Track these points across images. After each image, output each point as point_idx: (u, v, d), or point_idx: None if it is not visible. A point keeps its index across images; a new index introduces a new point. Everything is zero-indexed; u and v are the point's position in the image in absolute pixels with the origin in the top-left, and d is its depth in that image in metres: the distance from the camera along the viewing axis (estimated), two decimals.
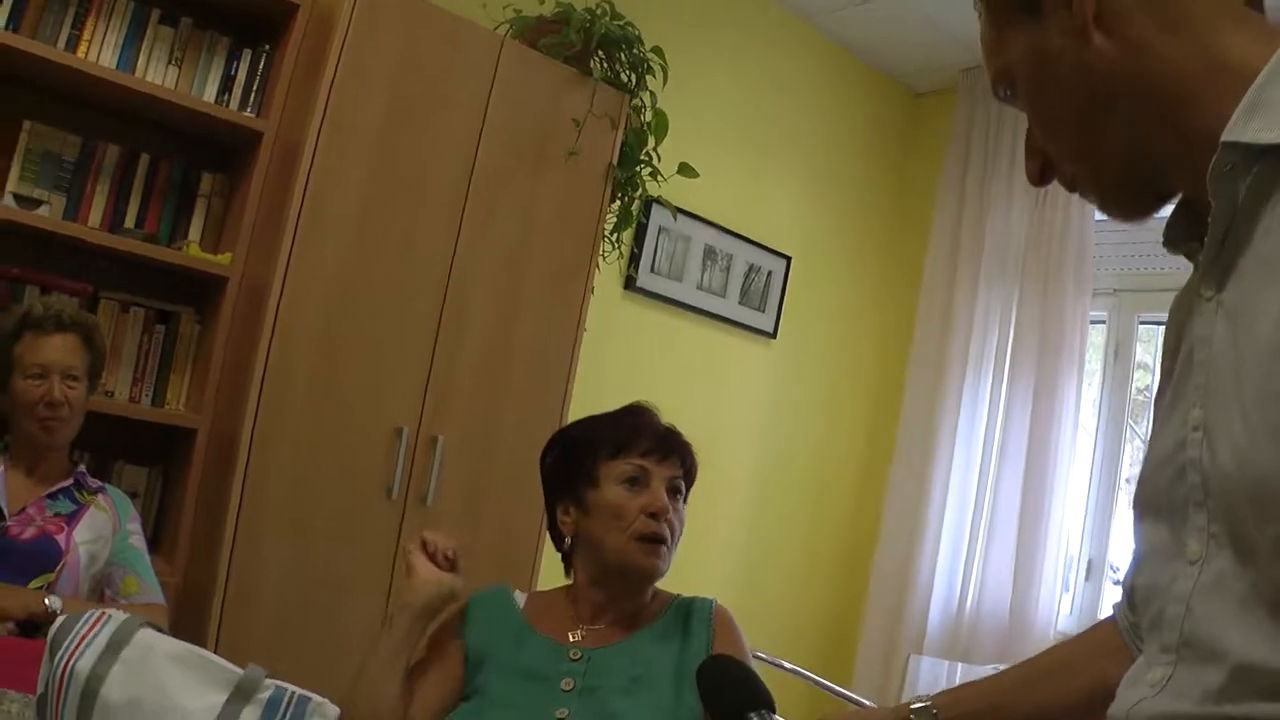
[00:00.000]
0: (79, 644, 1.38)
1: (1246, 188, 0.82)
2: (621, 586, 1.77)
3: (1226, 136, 0.81)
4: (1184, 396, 0.89)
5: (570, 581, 1.84)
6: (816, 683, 3.05)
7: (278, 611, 2.73)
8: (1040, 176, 1.00)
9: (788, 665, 3.08)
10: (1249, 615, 0.77)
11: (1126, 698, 0.90)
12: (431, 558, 1.74)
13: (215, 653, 2.52)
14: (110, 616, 1.43)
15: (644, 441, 1.79)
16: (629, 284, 4.07)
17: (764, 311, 4.55)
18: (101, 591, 2.39)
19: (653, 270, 4.13)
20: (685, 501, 1.84)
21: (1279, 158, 0.80)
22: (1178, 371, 0.93)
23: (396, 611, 1.66)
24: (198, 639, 2.59)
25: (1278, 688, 0.75)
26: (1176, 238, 0.96)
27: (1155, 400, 0.99)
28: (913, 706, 1.25)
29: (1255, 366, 0.78)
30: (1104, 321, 4.55)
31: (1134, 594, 0.99)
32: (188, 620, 2.66)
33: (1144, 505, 0.95)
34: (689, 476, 1.85)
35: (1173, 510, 0.88)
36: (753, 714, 1.31)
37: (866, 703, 3.29)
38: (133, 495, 2.79)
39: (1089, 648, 1.23)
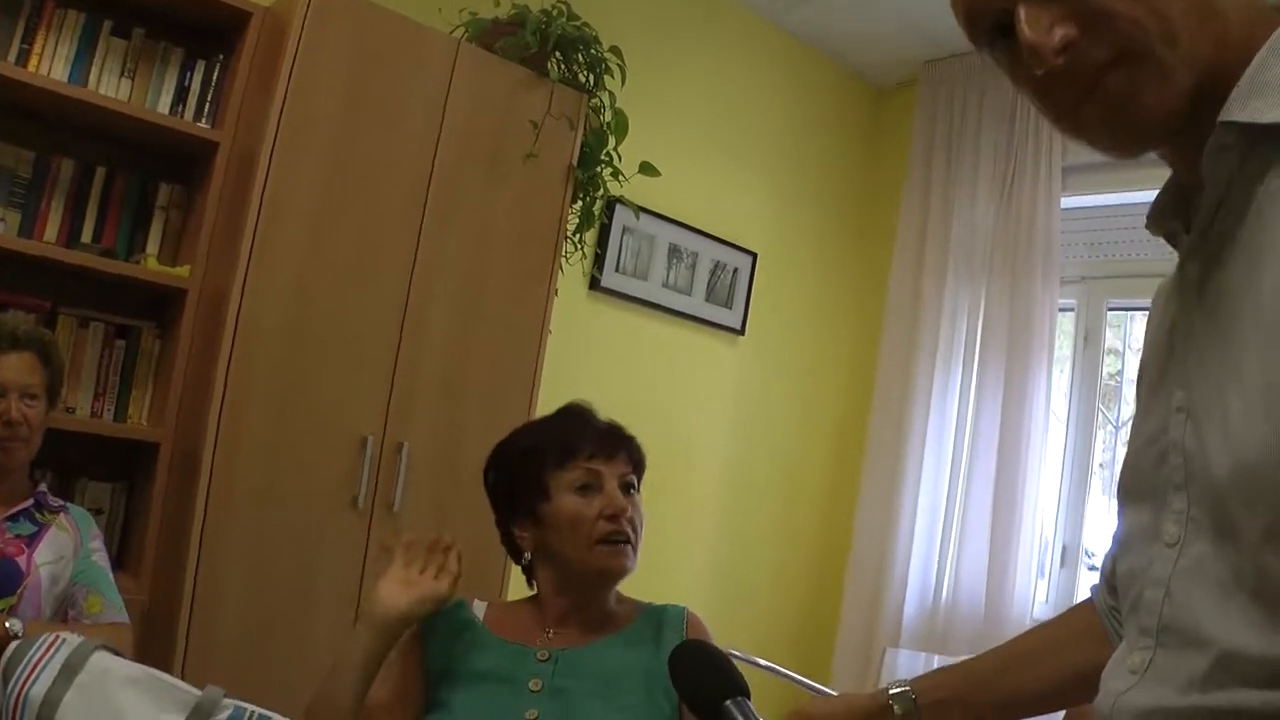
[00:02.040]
0: (32, 670, 1.36)
1: (1240, 168, 0.81)
2: (588, 591, 1.75)
3: (1224, 116, 0.80)
4: (1167, 379, 0.89)
5: (534, 592, 1.82)
6: (792, 679, 3.05)
7: (245, 625, 2.70)
8: (1061, 50, 0.83)
9: (763, 663, 3.07)
10: (1231, 601, 0.77)
11: (1110, 689, 0.89)
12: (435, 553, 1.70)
13: (183, 668, 2.53)
14: (64, 641, 1.40)
15: (589, 444, 1.76)
16: (594, 284, 4.05)
17: (731, 308, 4.54)
18: (65, 612, 2.35)
19: (618, 270, 4.11)
20: (639, 493, 1.81)
21: (1278, 138, 0.79)
22: (1161, 354, 0.93)
23: (359, 625, 1.63)
24: (165, 655, 2.57)
25: (1263, 675, 0.74)
26: (1160, 218, 0.95)
27: (1138, 385, 0.99)
28: (891, 692, 1.25)
29: (1245, 351, 0.78)
30: (1072, 309, 4.56)
31: (1115, 579, 0.98)
32: (155, 637, 2.63)
33: (1127, 489, 0.95)
34: (639, 469, 1.81)
35: (1154, 493, 0.88)
36: (729, 702, 1.29)
37: None
38: (97, 512, 2.75)
39: (1066, 631, 1.22)
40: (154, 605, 2.73)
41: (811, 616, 4.81)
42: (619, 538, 1.70)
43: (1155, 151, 0.91)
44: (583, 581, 1.74)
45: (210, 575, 2.65)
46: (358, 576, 2.84)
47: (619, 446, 1.78)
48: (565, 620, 1.74)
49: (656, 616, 1.77)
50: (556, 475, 1.74)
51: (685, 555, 4.39)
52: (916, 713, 1.23)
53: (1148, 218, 0.95)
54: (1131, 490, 0.94)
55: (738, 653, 2.96)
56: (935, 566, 4.50)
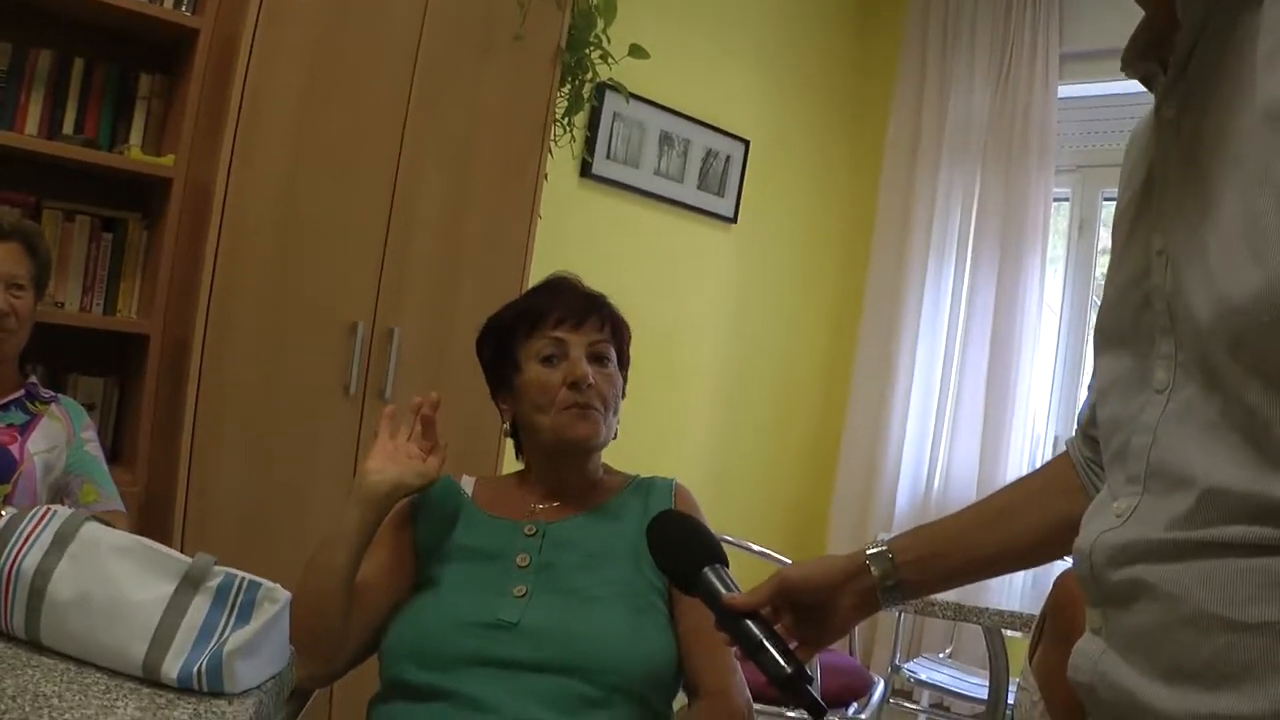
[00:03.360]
0: (24, 542, 1.36)
1: (1216, 5, 0.80)
2: (565, 462, 1.73)
3: None
4: (1144, 222, 0.88)
5: (522, 466, 1.82)
6: (784, 565, 3.08)
7: (240, 514, 2.72)
8: None
9: (755, 548, 3.10)
10: (1218, 441, 0.77)
11: (1091, 529, 0.89)
12: (423, 428, 1.67)
13: None
14: (55, 513, 1.40)
15: (556, 313, 1.73)
16: (585, 171, 4.02)
17: (723, 196, 4.51)
18: (60, 501, 2.35)
19: (609, 157, 4.08)
20: (622, 366, 1.78)
21: None
22: (1138, 197, 0.91)
23: (350, 502, 1.62)
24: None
25: (1247, 510, 0.74)
26: (1134, 58, 0.92)
27: (1114, 231, 0.97)
28: (869, 552, 1.24)
29: (1223, 192, 0.76)
30: (1067, 199, 4.54)
31: (1097, 427, 0.98)
32: (151, 529, 2.65)
33: (1107, 335, 0.94)
34: (617, 338, 1.78)
35: (1138, 339, 0.87)
36: (707, 569, 1.29)
37: None
38: (90, 407, 2.75)
39: (1044, 485, 1.21)
40: (150, 497, 2.75)
41: (804, 505, 4.86)
42: (580, 405, 1.67)
43: None
44: (554, 452, 1.72)
45: (204, 465, 2.66)
46: (351, 463, 2.85)
47: (588, 314, 1.74)
48: (552, 494, 1.74)
49: (644, 488, 1.77)
50: (525, 345, 1.73)
51: (677, 444, 4.42)
52: (895, 572, 1.23)
53: (1123, 60, 0.93)
54: (1112, 336, 0.93)
55: (729, 538, 2.98)
56: (927, 457, 4.54)
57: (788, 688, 1.18)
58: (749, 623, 1.22)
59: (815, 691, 1.19)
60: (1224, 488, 0.76)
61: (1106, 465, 0.93)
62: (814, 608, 1.26)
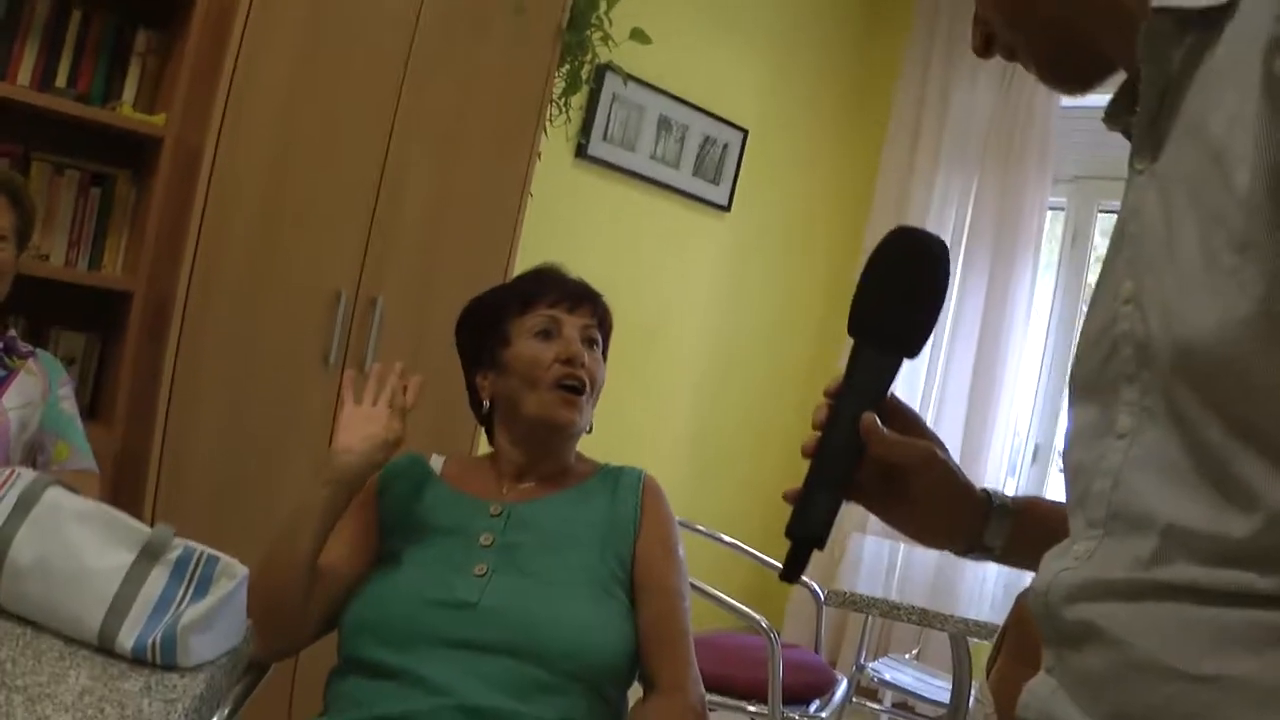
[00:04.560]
0: None
1: (1180, 56, 0.79)
2: (542, 444, 1.74)
3: (1158, 1, 0.78)
4: (1114, 271, 0.88)
5: (492, 449, 1.82)
6: (757, 558, 3.08)
7: (214, 479, 2.72)
8: (984, 47, 0.96)
9: (727, 539, 3.10)
10: (1181, 483, 0.77)
11: (1050, 568, 0.89)
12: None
13: (152, 519, 2.54)
14: (19, 476, 1.40)
15: (552, 293, 1.76)
16: (580, 152, 4.01)
17: (718, 184, 4.50)
18: (34, 459, 2.34)
19: (605, 139, 4.06)
20: (605, 356, 1.81)
21: (1212, 22, 0.76)
22: (1110, 248, 0.91)
23: (319, 482, 1.61)
24: (135, 507, 2.58)
25: (1205, 552, 0.74)
26: (1117, 113, 0.93)
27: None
28: (995, 503, 1.16)
29: (1185, 233, 0.77)
30: (1063, 208, 4.54)
31: (1065, 473, 0.97)
32: (126, 488, 2.64)
33: (1077, 385, 0.94)
34: (604, 327, 1.81)
35: (1104, 388, 0.87)
36: (888, 357, 1.09)
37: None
38: (70, 362, 2.74)
39: None
40: (125, 456, 2.74)
41: (784, 500, 4.85)
42: (572, 383, 1.69)
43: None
44: (534, 433, 1.73)
45: (180, 427, 2.65)
46: (327, 433, 2.83)
47: (582, 299, 1.78)
48: (521, 475, 1.75)
49: (613, 476, 1.77)
50: (518, 321, 1.74)
51: (661, 431, 4.42)
52: (1001, 531, 1.16)
53: (1105, 114, 0.94)
54: (1081, 385, 0.93)
55: (702, 528, 2.99)
56: None
57: (801, 544, 1.05)
58: (856, 455, 1.04)
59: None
60: (1184, 526, 0.76)
61: (1070, 511, 0.93)
62: (912, 488, 1.13)
